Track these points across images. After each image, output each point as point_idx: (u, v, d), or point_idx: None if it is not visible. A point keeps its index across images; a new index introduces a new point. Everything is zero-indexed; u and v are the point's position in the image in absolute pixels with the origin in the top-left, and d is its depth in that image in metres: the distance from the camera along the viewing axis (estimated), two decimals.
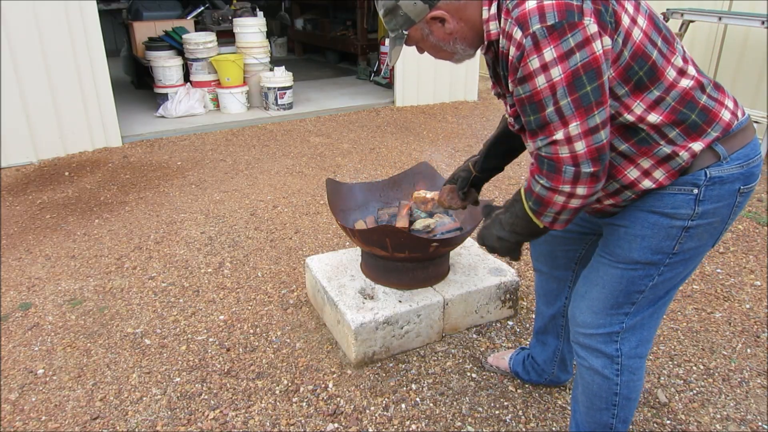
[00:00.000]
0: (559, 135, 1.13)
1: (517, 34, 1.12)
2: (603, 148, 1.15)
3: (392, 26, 1.30)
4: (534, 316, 2.28)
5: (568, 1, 1.09)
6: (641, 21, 1.20)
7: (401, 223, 2.29)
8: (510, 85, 1.22)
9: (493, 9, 1.21)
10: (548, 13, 1.08)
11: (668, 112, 1.22)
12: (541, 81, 1.12)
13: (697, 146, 1.23)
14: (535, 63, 1.11)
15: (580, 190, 1.17)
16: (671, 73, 1.22)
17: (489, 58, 1.33)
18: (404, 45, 1.34)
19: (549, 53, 1.09)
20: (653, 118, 1.22)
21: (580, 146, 1.13)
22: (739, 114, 1.29)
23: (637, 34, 1.18)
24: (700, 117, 1.23)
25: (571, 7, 1.08)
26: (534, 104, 1.15)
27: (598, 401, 1.50)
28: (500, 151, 1.70)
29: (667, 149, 1.23)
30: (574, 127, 1.12)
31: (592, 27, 1.09)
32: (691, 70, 1.25)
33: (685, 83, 1.23)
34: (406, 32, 1.30)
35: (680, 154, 1.23)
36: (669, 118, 1.22)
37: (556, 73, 1.10)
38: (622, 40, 1.16)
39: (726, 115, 1.25)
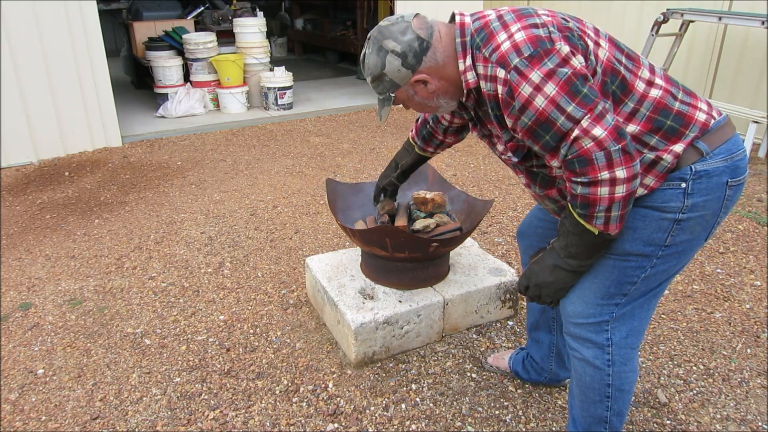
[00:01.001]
0: (576, 132, 1.19)
1: (501, 73, 1.23)
2: (618, 127, 1.20)
3: (380, 90, 1.42)
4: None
5: (537, 34, 1.22)
6: (603, 43, 1.31)
7: (400, 222, 2.29)
8: (508, 122, 1.30)
9: (468, 60, 1.31)
10: (522, 47, 1.21)
11: (645, 122, 1.29)
12: (540, 101, 1.20)
13: (679, 147, 1.28)
14: (527, 89, 1.20)
15: (620, 173, 1.20)
16: (640, 85, 1.30)
17: (470, 104, 1.42)
18: (392, 104, 1.44)
19: (536, 75, 1.19)
20: (631, 128, 1.29)
21: (598, 131, 1.18)
22: (715, 114, 1.34)
23: (602, 54, 1.29)
24: (675, 121, 1.29)
25: (541, 38, 1.21)
26: (543, 124, 1.22)
27: (591, 393, 1.52)
28: (413, 170, 2.05)
29: (650, 155, 1.29)
30: (586, 120, 1.19)
31: (565, 48, 1.21)
32: (659, 81, 1.33)
33: (655, 93, 1.30)
34: (392, 95, 1.41)
35: (664, 157, 1.28)
36: (646, 127, 1.29)
37: (550, 88, 1.19)
38: (593, 58, 1.27)
39: (701, 116, 1.31)
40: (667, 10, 4.90)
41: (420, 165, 2.02)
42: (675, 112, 1.29)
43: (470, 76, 1.32)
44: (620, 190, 1.21)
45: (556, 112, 1.19)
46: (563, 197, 1.44)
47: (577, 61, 1.21)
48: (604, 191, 1.21)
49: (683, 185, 1.29)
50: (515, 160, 1.43)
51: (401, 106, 1.49)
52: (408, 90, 1.39)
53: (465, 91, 1.36)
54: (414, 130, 1.91)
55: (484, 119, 1.43)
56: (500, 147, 1.45)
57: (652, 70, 1.34)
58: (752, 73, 4.76)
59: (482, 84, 1.30)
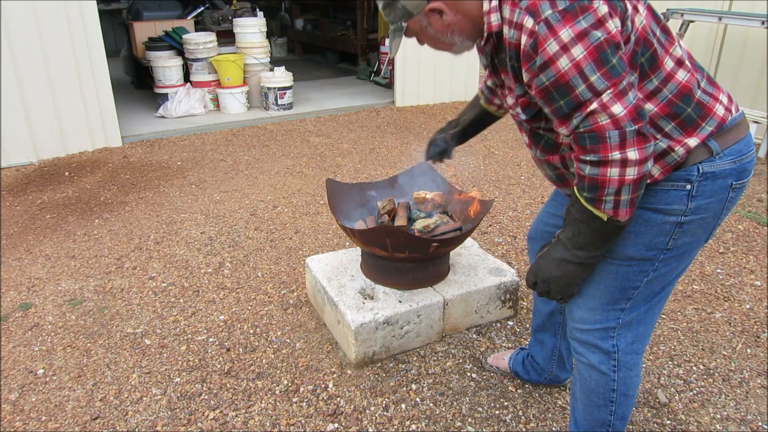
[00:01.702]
0: (595, 105, 1.11)
1: (528, 22, 1.12)
2: (639, 106, 1.13)
3: (391, 18, 1.31)
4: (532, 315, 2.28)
5: None
6: (641, 9, 1.21)
7: (400, 222, 2.29)
8: (525, 76, 1.20)
9: (494, 1, 1.21)
10: None
11: (664, 104, 1.22)
12: (564, 63, 1.10)
13: (692, 141, 1.23)
14: (553, 46, 1.10)
15: (632, 154, 1.12)
16: (669, 63, 1.23)
17: (488, 49, 1.32)
18: (404, 36, 1.35)
19: (566, 34, 1.09)
20: (648, 107, 1.22)
21: (617, 109, 1.10)
22: (733, 109, 1.29)
23: (639, 21, 1.19)
24: (695, 111, 1.23)
25: None
26: (561, 87, 1.13)
27: (595, 398, 1.51)
28: (476, 130, 1.85)
29: (663, 144, 1.24)
30: (607, 95, 1.10)
31: (603, 8, 1.10)
32: (688, 64, 1.25)
33: (682, 75, 1.23)
34: (405, 24, 1.31)
35: (675, 149, 1.23)
36: (664, 111, 1.22)
37: (578, 51, 1.09)
38: (629, 24, 1.16)
39: (720, 110, 1.26)
40: (667, 10, 4.90)
41: (482, 126, 1.84)
42: (696, 101, 1.23)
43: (494, 18, 1.22)
44: (631, 173, 1.13)
45: (578, 78, 1.10)
46: (564, 165, 1.37)
47: (613, 25, 1.11)
48: (614, 172, 1.13)
49: (688, 187, 1.25)
50: (523, 117, 1.34)
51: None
52: (422, 20, 1.28)
53: (485, 34, 1.26)
54: (483, 81, 1.77)
55: (499, 68, 1.34)
56: (510, 100, 1.36)
57: (682, 50, 1.26)
58: (752, 73, 4.76)
59: (505, 30, 1.20)
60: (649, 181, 1.26)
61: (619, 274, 1.36)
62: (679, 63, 1.24)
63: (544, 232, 1.73)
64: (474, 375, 2.14)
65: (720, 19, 4.52)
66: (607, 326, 1.42)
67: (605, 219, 1.19)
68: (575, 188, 1.22)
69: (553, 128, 1.27)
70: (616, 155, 1.12)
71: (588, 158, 1.15)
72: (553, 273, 1.32)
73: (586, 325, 1.44)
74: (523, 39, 1.15)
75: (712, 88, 1.28)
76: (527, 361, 2.02)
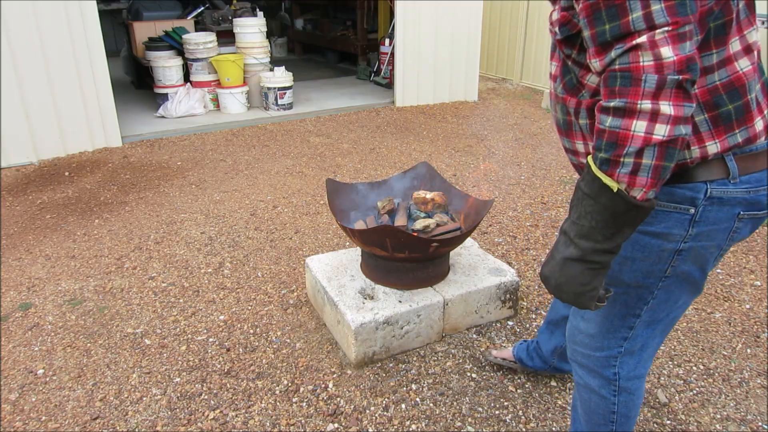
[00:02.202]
0: (643, 39, 0.92)
1: None
2: (693, 58, 0.92)
3: None
4: (546, 310, 2.28)
5: None
6: None
7: (400, 222, 2.29)
8: None
9: None
10: None
11: (708, 90, 1.06)
12: None
13: (713, 147, 1.08)
14: None
15: (665, 107, 0.91)
16: (736, 45, 1.05)
17: None
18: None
19: None
20: None
21: (667, 53, 0.91)
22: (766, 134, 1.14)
23: None
24: (737, 112, 1.07)
25: None
26: (614, 8, 0.94)
27: (595, 417, 1.46)
28: None
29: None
30: (662, 32, 0.91)
31: None
32: (754, 56, 1.08)
33: (744, 64, 1.06)
34: None
35: (692, 148, 1.08)
36: (704, 98, 1.06)
37: None
38: None
39: (759, 125, 1.11)
40: None
41: None
42: (744, 102, 1.07)
43: None
44: (660, 131, 0.93)
45: (638, 2, 0.91)
46: (576, 113, 1.20)
47: None
48: (640, 126, 0.93)
49: (691, 211, 1.12)
50: (559, 36, 1.14)
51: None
52: None
53: None
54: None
55: None
56: (555, 15, 1.15)
57: (756, 38, 1.10)
58: None
59: None
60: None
61: (617, 301, 1.28)
62: (747, 50, 1.06)
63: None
64: (474, 375, 2.14)
65: None
66: (608, 354, 1.35)
67: (615, 190, 0.98)
68: (589, 159, 1.03)
69: (581, 62, 1.12)
70: (647, 104, 0.92)
71: (612, 104, 0.95)
72: (558, 279, 1.10)
73: (587, 350, 1.38)
74: None
75: (763, 97, 1.13)
76: (532, 348, 2.00)
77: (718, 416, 1.95)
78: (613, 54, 0.95)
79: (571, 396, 2.03)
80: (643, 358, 1.38)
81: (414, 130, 5.42)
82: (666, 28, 0.91)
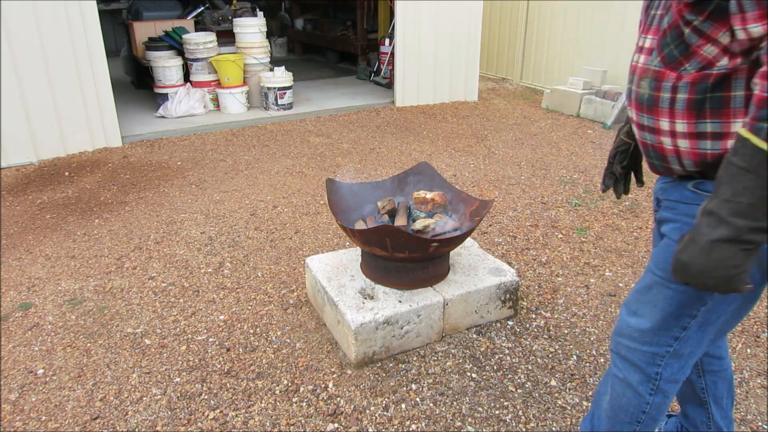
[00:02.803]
0: None
1: None
2: None
3: None
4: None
5: None
6: None
7: (400, 221, 2.29)
8: None
9: None
10: None
11: None
12: None
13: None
14: None
15: None
16: None
17: None
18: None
19: None
20: None
21: None
22: None
23: None
24: None
25: None
26: None
27: (623, 414, 1.42)
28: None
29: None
30: None
31: None
32: None
33: None
34: None
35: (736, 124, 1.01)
36: None
37: None
38: None
39: None
40: None
41: None
42: None
43: None
44: None
45: None
46: (674, 88, 1.11)
47: None
48: None
49: None
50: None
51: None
52: None
53: None
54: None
55: None
56: None
57: None
58: None
59: None
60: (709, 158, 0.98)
61: (674, 299, 1.24)
62: None
63: None
64: (474, 375, 2.14)
65: None
66: (656, 352, 1.31)
67: None
68: (747, 124, 0.95)
69: (703, 30, 1.03)
70: None
71: None
72: (705, 264, 0.99)
73: (634, 343, 1.33)
74: None
75: None
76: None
77: None
78: None
79: (571, 396, 2.03)
80: (687, 365, 1.34)
81: (414, 130, 5.42)
82: None
